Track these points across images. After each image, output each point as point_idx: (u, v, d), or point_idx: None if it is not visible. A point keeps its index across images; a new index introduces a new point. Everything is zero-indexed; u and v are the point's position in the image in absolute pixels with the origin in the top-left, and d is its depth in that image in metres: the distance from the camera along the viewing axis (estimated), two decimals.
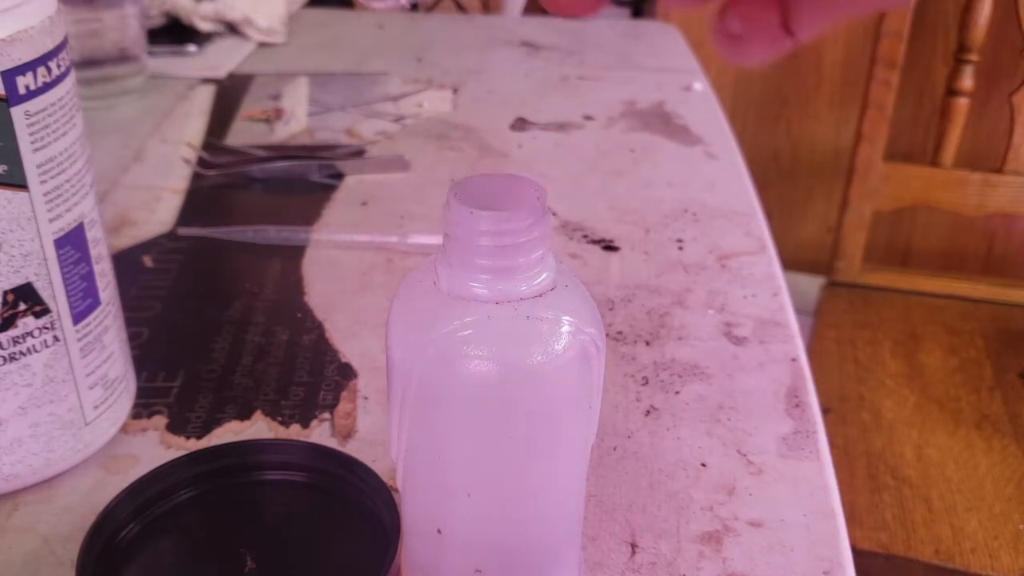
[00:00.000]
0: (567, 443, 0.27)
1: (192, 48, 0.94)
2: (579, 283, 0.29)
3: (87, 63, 0.79)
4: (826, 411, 1.02)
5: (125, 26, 0.81)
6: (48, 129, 0.36)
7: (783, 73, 1.71)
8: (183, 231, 0.62)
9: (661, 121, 0.80)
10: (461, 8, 1.58)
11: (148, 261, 0.59)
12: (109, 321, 0.41)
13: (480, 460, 0.25)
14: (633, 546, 0.38)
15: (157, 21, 0.96)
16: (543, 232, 0.27)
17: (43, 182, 0.36)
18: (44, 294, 0.38)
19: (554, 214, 0.64)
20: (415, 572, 0.31)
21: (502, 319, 0.26)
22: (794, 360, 0.49)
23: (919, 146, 1.58)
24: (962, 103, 1.20)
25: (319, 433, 0.44)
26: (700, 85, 0.88)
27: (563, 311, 0.27)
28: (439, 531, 0.29)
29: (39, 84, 0.35)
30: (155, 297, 0.55)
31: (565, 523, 0.30)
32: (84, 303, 0.39)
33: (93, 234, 0.40)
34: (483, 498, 0.28)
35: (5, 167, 0.35)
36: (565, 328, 0.27)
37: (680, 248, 0.60)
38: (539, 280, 0.27)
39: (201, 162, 0.71)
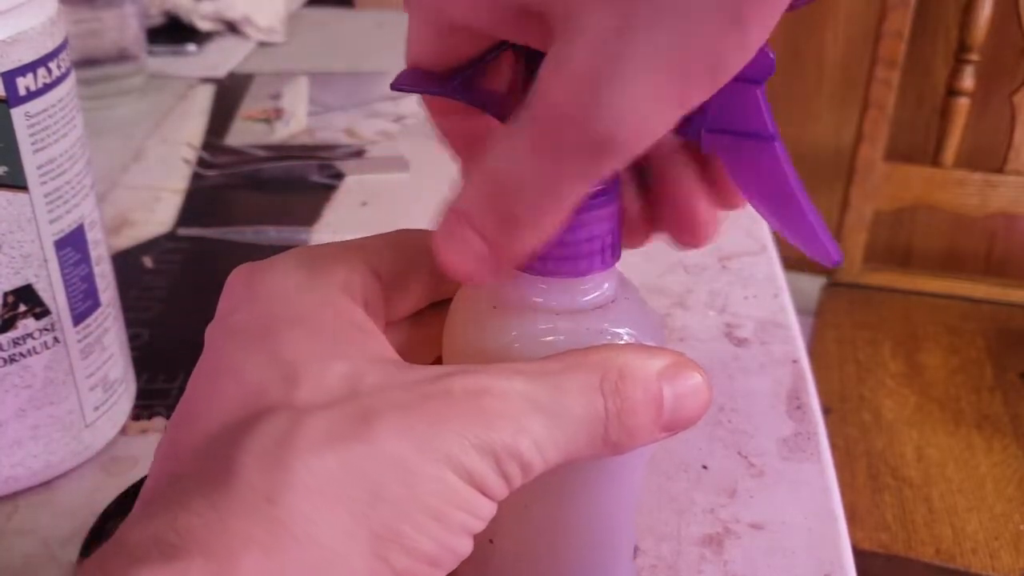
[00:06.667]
0: (627, 455, 0.26)
1: (192, 48, 0.93)
2: (639, 294, 0.28)
3: (86, 63, 0.79)
4: (827, 411, 1.02)
5: (124, 25, 0.81)
6: (48, 130, 0.36)
7: (783, 73, 1.71)
8: (183, 231, 0.62)
9: None
10: None
11: (148, 262, 0.59)
12: (109, 323, 0.41)
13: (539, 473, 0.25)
14: (634, 549, 0.38)
15: (157, 20, 0.96)
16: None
17: (43, 183, 0.36)
18: (44, 296, 0.37)
19: None
20: None
21: (564, 332, 0.25)
22: (795, 362, 0.49)
23: (920, 146, 1.58)
24: (963, 103, 1.20)
25: None
26: None
27: (624, 324, 0.26)
28: (491, 541, 0.28)
29: (39, 85, 0.35)
30: (155, 298, 0.55)
31: (619, 535, 0.30)
32: (84, 304, 0.39)
33: (93, 235, 0.40)
34: (540, 511, 0.27)
35: (5, 168, 0.35)
36: (624, 339, 0.26)
37: None
38: (601, 292, 0.26)
39: (201, 162, 0.71)
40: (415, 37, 0.24)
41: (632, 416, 0.23)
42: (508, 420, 0.22)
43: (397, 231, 0.28)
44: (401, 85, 0.25)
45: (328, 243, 0.26)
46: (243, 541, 0.19)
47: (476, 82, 0.25)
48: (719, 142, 0.23)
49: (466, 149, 0.27)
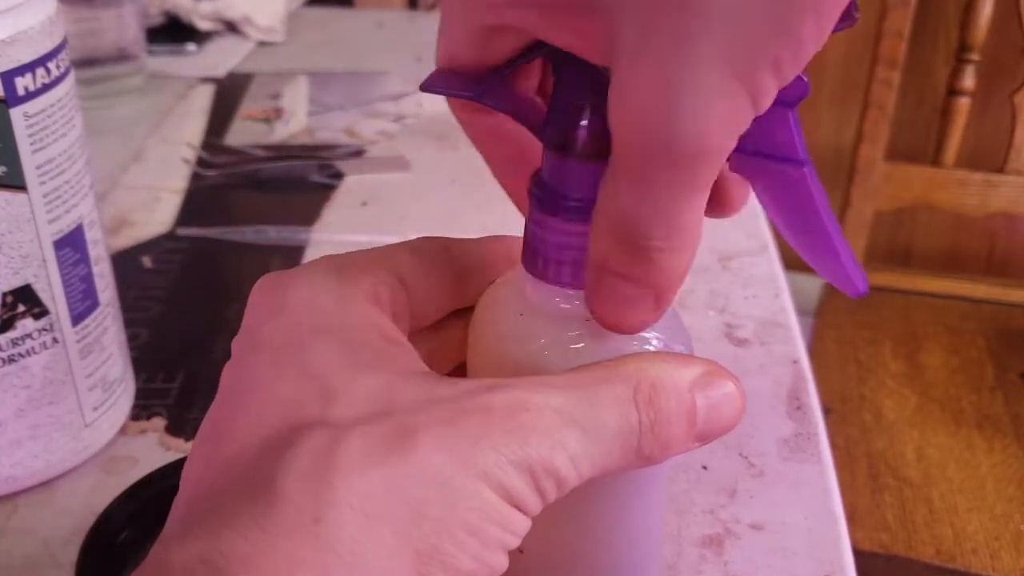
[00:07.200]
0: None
1: (191, 47, 0.93)
2: None
3: (85, 63, 0.79)
4: (827, 411, 1.02)
5: (124, 25, 0.81)
6: (47, 130, 0.36)
7: None
8: (183, 231, 0.62)
9: None
10: None
11: (147, 262, 0.59)
12: (108, 322, 0.41)
13: None
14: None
15: (156, 20, 0.96)
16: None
17: (42, 183, 0.36)
18: (43, 296, 0.37)
19: None
20: None
21: (593, 338, 0.25)
22: (795, 362, 0.49)
23: (920, 146, 1.58)
24: (963, 103, 1.20)
25: None
26: None
27: (653, 330, 0.25)
28: (520, 551, 0.28)
29: (38, 85, 0.35)
30: (154, 298, 0.55)
31: (649, 543, 0.30)
32: (83, 304, 0.39)
33: (92, 235, 0.40)
34: (571, 522, 0.27)
35: (4, 168, 0.35)
36: (653, 345, 0.25)
37: None
38: None
39: (201, 162, 0.71)
40: (451, 37, 0.24)
41: (666, 428, 0.23)
42: (544, 435, 0.22)
43: (419, 238, 0.27)
44: (431, 87, 0.25)
45: (353, 252, 0.26)
46: (289, 561, 0.19)
47: (505, 88, 0.25)
48: (748, 163, 0.23)
49: (488, 144, 0.27)
